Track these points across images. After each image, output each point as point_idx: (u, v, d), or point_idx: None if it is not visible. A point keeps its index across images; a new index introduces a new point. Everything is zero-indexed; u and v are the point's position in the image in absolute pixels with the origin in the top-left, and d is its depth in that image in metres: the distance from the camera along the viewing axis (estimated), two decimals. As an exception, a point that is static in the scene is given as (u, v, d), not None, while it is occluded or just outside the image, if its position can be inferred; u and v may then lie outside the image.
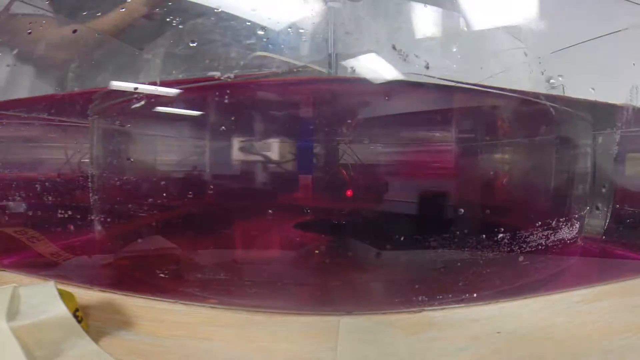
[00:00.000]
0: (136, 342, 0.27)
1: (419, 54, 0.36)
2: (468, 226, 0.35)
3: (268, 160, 0.38)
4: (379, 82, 0.38)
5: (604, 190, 0.46)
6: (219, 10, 0.38)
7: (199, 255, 0.39)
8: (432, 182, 0.39)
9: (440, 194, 0.38)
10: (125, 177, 0.40)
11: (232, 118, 0.38)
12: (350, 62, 0.38)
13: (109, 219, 0.40)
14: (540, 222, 0.39)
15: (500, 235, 0.36)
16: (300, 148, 0.37)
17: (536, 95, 0.41)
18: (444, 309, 0.33)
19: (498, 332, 0.28)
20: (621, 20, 0.42)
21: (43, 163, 0.46)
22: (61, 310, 0.25)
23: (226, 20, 0.38)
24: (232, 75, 0.36)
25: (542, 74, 0.40)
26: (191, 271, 0.37)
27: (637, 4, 0.43)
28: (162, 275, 0.36)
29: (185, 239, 0.38)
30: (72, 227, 0.42)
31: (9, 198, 0.42)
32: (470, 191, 0.39)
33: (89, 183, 0.43)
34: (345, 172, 0.37)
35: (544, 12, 0.42)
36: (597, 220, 0.46)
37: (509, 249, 0.36)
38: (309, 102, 0.40)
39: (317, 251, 0.36)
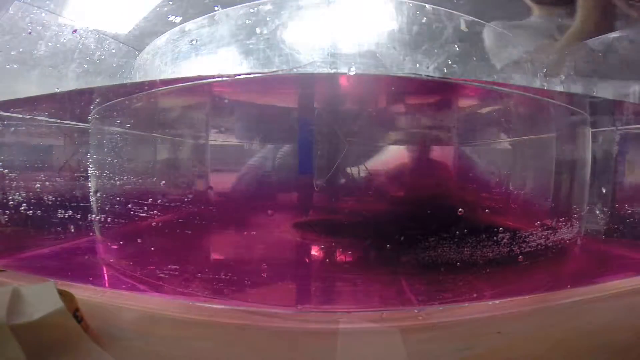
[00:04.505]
0: (135, 342, 0.27)
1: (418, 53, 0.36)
2: (468, 226, 0.35)
3: (267, 160, 0.38)
4: (378, 81, 0.38)
5: (604, 190, 0.46)
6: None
7: (199, 255, 0.39)
8: (432, 181, 0.39)
9: (439, 193, 0.38)
10: (125, 177, 0.40)
11: (232, 117, 0.38)
12: (350, 62, 0.38)
13: (109, 219, 0.40)
14: (540, 222, 0.39)
15: (500, 235, 0.36)
16: (299, 147, 0.37)
17: (536, 92, 0.41)
18: (444, 309, 0.33)
19: (498, 332, 0.28)
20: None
21: (43, 163, 0.46)
22: (61, 310, 0.25)
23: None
24: (232, 75, 0.36)
25: (542, 72, 0.40)
26: (191, 271, 0.37)
27: (636, 3, 0.43)
28: (162, 275, 0.36)
29: (185, 239, 0.38)
30: (72, 227, 0.42)
31: (9, 198, 0.42)
32: (469, 190, 0.39)
33: (89, 183, 0.43)
34: (344, 171, 0.37)
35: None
36: (597, 220, 0.46)
37: (508, 248, 0.36)
38: (308, 102, 0.39)
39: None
